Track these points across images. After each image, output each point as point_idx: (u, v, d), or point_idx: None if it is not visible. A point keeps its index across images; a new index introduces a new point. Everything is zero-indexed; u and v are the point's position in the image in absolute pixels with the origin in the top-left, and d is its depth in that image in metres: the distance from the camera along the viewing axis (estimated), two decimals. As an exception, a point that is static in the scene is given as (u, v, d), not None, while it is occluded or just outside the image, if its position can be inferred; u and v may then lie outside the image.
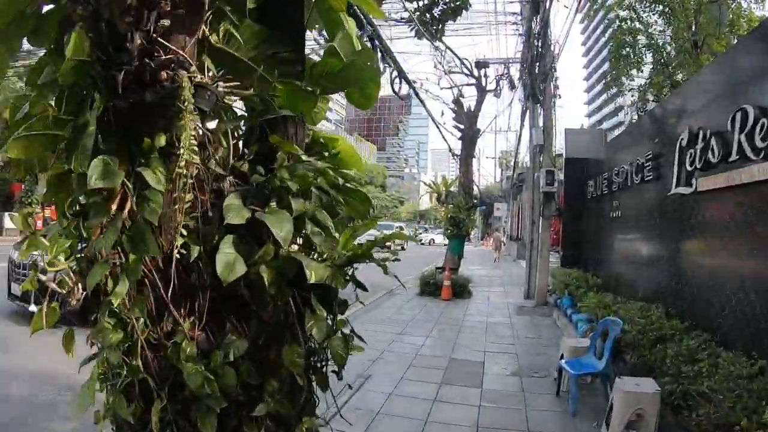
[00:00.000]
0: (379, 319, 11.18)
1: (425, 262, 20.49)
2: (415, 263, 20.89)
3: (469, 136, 16.09)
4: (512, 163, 39.52)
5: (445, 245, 41.45)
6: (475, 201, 16.63)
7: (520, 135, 25.36)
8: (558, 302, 11.56)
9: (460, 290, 14.74)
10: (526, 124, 16.65)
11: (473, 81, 16.59)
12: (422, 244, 48.83)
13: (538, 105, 14.26)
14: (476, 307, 13.35)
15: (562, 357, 6.42)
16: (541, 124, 14.12)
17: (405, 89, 13.31)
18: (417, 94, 14.66)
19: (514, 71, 17.00)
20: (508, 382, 6.79)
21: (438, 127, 18.03)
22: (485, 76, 16.71)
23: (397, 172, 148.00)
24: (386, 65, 10.89)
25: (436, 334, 9.85)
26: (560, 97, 15.20)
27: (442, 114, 18.85)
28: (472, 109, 16.31)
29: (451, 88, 16.38)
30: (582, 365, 5.89)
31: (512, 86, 16.93)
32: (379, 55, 11.89)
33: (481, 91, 16.38)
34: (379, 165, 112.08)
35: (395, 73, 11.65)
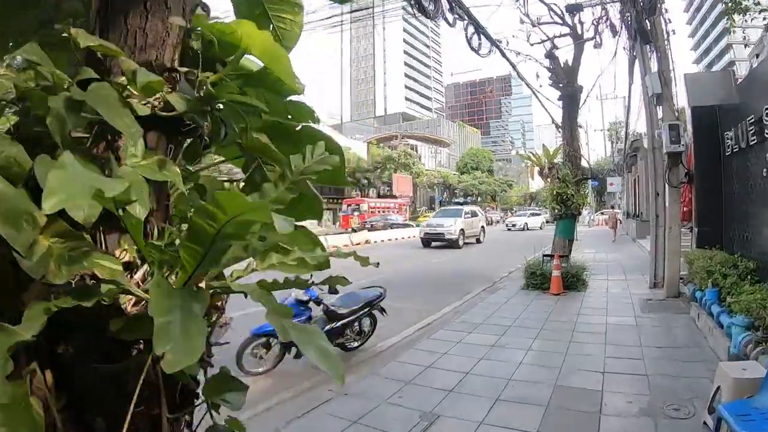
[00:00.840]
0: (471, 325, 9.30)
1: (532, 246, 18.17)
2: (522, 248, 18.63)
3: (570, 95, 13.70)
4: (623, 133, 36.10)
5: (541, 229, 38.81)
6: (585, 173, 14.19)
7: (629, 96, 22.29)
8: (696, 295, 8.99)
9: (573, 281, 12.56)
10: (636, 81, 13.99)
11: (567, 30, 14.10)
12: (510, 229, 45.89)
13: (648, 46, 11.76)
14: (592, 302, 11.14)
15: (717, 393, 4.30)
16: (654, 68, 11.62)
17: (485, 47, 11.38)
18: (501, 51, 12.59)
19: (615, 13, 14.28)
20: (636, 429, 4.70)
21: (534, 93, 15.71)
22: (580, 22, 14.34)
23: (504, 155, 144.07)
24: (458, 18, 8.97)
25: (540, 345, 7.76)
26: (674, 33, 12.35)
27: (537, 77, 16.03)
28: (570, 63, 13.88)
29: (542, 42, 13.97)
30: (756, 416, 3.58)
31: (614, 32, 14.22)
32: (447, 6, 10.17)
33: (578, 41, 13.86)
34: (484, 149, 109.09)
35: (471, 29, 9.68)
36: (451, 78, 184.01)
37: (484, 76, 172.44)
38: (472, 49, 11.48)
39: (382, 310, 8.21)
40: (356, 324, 7.82)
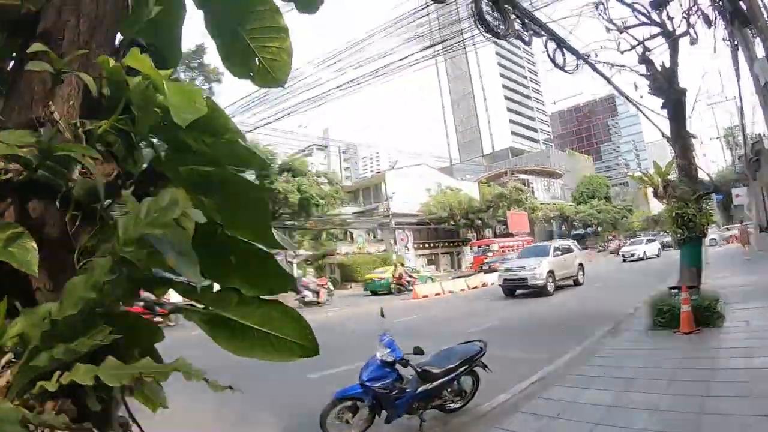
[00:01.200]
0: (588, 379, 8.12)
1: (656, 277, 16.40)
2: (645, 280, 16.86)
3: (674, 101, 12.15)
4: (741, 138, 32.72)
5: (658, 257, 35.05)
6: (705, 187, 12.52)
7: (739, 93, 19.88)
8: None
9: (707, 315, 10.95)
10: (744, 73, 12.29)
11: (657, 30, 12.58)
12: (626, 260, 42.39)
13: (749, 29, 10.20)
14: (732, 341, 9.59)
15: None
16: (761, 53, 10.05)
17: (571, 62, 10.31)
18: (590, 63, 11.42)
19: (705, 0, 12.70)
20: None
21: (634, 104, 14.20)
22: (669, 18, 12.86)
23: (620, 179, 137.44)
24: (534, 34, 8.03)
25: (669, 403, 6.38)
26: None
27: (636, 87, 14.19)
28: (667, 65, 12.32)
29: (633, 48, 12.52)
30: None
31: (708, 22, 12.56)
32: (520, 23, 9.28)
33: (670, 38, 12.31)
34: (598, 176, 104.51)
35: (552, 45, 8.71)
36: (554, 106, 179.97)
37: (587, 99, 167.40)
38: (557, 66, 10.60)
39: (485, 367, 7.38)
40: (455, 383, 7.06)
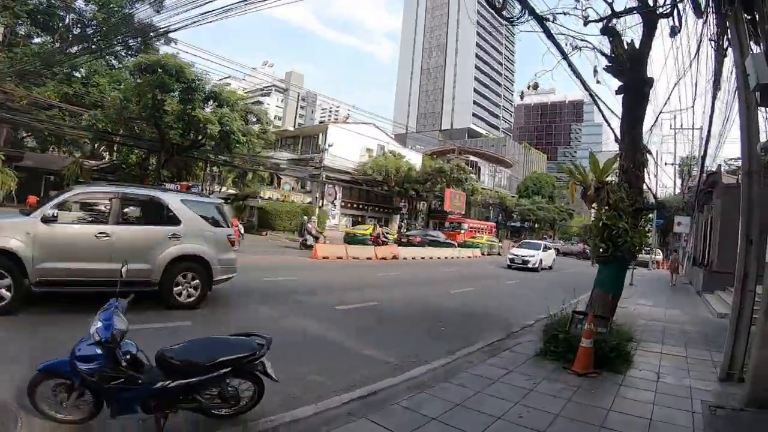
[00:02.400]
0: (418, 417, 5.68)
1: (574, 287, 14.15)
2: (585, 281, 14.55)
3: (634, 87, 9.48)
4: (696, 170, 30.95)
5: (551, 269, 35.38)
6: (648, 203, 9.97)
7: (712, 109, 17.62)
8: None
9: (612, 356, 8.43)
10: (725, 85, 9.67)
11: (635, 3, 9.76)
12: (510, 266, 39.41)
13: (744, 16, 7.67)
14: (631, 399, 7.04)
15: None
16: (757, 48, 7.56)
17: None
18: (537, 16, 8.60)
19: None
20: None
21: (590, 94, 11.52)
22: None
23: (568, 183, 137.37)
24: None
25: None
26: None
27: (595, 72, 11.82)
28: (636, 46, 9.65)
29: (601, 20, 9.60)
30: None
31: (699, 12, 9.72)
32: None
33: (649, 19, 9.49)
34: (548, 174, 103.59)
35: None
36: (522, 100, 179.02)
37: (556, 99, 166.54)
38: (495, 9, 7.90)
39: (265, 373, 5.20)
40: (218, 387, 5.02)
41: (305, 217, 39.19)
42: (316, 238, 31.69)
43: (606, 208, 9.33)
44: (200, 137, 34.13)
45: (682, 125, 44.48)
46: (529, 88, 11.73)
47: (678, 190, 50.04)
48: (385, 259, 28.97)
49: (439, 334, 10.66)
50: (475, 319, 12.85)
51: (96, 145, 41.66)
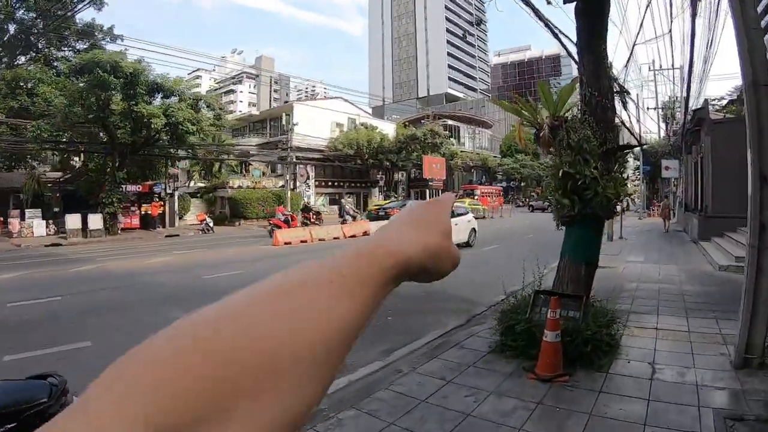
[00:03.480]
0: None
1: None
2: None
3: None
4: (682, 102, 28.43)
5: (469, 244, 29.53)
6: (621, 137, 7.56)
7: (692, 32, 15.35)
8: None
9: (589, 350, 6.17)
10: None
11: None
12: None
13: None
14: (615, 418, 4.81)
15: None
16: None
17: None
18: None
19: None
20: None
21: (537, 15, 9.09)
22: None
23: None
24: None
25: None
26: None
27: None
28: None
29: None
30: None
31: None
32: None
33: None
34: (530, 131, 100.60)
35: None
36: (498, 58, 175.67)
37: (533, 56, 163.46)
38: None
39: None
40: None
41: (343, 201, 41.78)
42: (354, 218, 34.98)
43: (567, 152, 6.96)
44: (153, 133, 31.63)
45: (661, 65, 41.82)
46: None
47: (663, 134, 47.69)
48: (354, 237, 26.66)
49: (382, 328, 8.43)
50: (432, 302, 10.62)
51: (66, 156, 39.13)
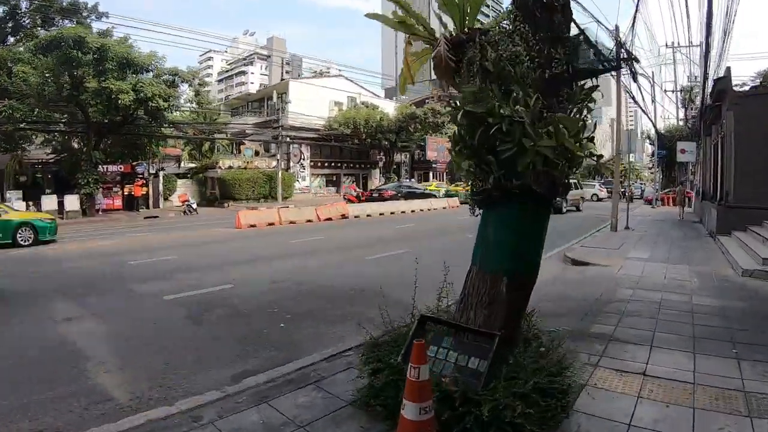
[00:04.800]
0: None
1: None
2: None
3: None
4: (701, 81, 24.90)
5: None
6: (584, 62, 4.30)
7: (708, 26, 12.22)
8: None
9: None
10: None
11: None
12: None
13: None
14: None
15: None
16: None
17: None
18: None
19: None
20: None
21: None
22: None
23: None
24: None
25: None
26: None
27: None
28: None
29: None
30: None
31: None
32: None
33: None
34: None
35: None
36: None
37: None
38: None
39: None
40: None
41: (345, 183, 43.99)
42: (358, 198, 37.02)
43: (480, 83, 3.94)
44: (123, 111, 29.61)
45: (679, 42, 38.13)
46: None
47: (682, 118, 44.16)
48: (330, 220, 24.08)
49: (259, 337, 6.75)
50: (354, 304, 8.29)
51: (67, 137, 37.17)
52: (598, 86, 4.27)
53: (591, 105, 4.13)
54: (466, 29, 4.35)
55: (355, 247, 15.52)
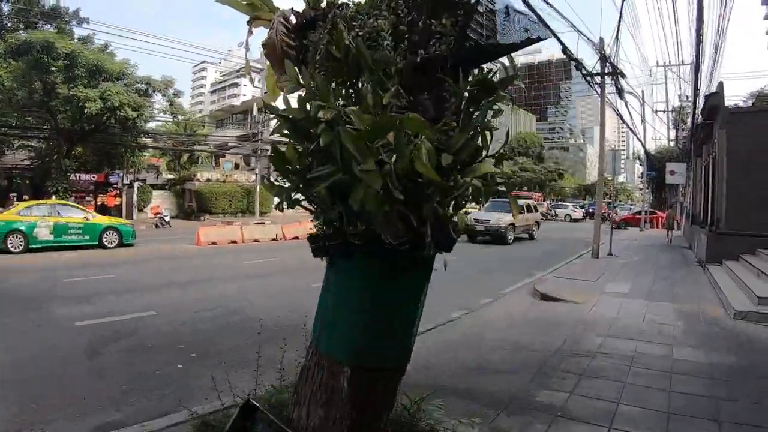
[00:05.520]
0: None
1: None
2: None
3: None
4: (691, 97, 23.72)
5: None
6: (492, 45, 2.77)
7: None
8: None
9: None
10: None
11: None
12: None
13: None
14: None
15: None
16: None
17: None
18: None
19: None
20: None
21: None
22: None
23: (561, 143, 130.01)
24: None
25: None
26: None
27: None
28: None
29: None
30: None
31: None
32: None
33: None
34: (533, 133, 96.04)
35: None
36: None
37: (543, 59, 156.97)
38: None
39: None
40: None
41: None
42: None
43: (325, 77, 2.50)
44: (89, 119, 28.57)
45: (670, 61, 37.15)
46: None
47: (672, 138, 43.32)
48: (297, 239, 22.46)
49: (155, 379, 5.80)
50: (272, 345, 6.57)
51: (39, 143, 35.99)
52: (517, 75, 2.75)
53: (503, 105, 2.66)
54: (320, 4, 2.88)
55: (306, 270, 14.11)
